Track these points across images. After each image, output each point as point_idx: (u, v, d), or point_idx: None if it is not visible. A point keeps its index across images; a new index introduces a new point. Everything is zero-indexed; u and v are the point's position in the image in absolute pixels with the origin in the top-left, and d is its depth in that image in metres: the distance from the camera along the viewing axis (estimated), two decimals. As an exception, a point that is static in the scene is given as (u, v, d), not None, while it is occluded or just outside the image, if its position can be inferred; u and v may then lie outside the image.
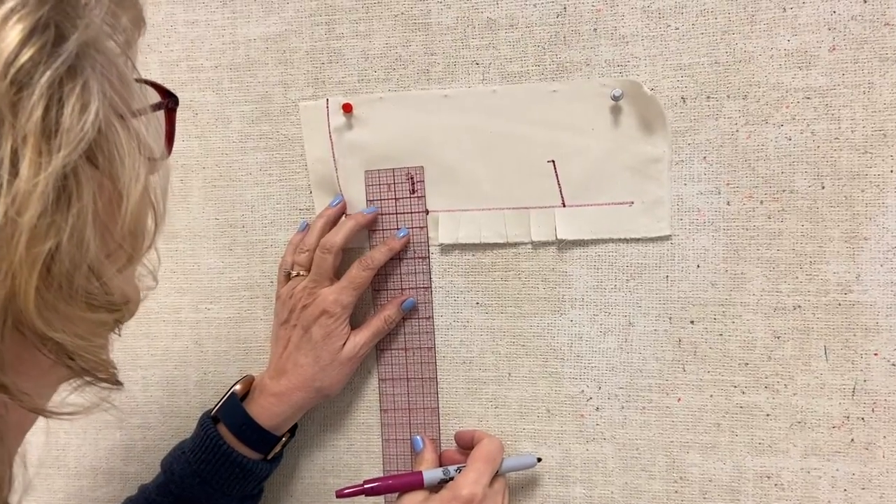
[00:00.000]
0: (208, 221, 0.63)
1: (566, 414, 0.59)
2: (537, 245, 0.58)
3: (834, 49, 0.53)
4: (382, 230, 0.60)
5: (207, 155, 0.62)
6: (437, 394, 0.60)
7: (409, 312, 0.60)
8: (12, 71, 0.26)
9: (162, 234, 0.34)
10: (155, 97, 0.36)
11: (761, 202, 0.54)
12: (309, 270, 0.57)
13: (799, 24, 0.53)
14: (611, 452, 0.58)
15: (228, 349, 0.63)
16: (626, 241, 0.57)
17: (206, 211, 0.63)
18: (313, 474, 0.63)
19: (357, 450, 0.62)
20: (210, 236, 0.63)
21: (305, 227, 0.60)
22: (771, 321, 0.55)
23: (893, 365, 0.53)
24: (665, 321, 0.56)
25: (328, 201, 0.60)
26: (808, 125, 0.53)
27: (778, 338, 0.55)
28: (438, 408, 0.60)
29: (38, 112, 0.26)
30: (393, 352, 0.61)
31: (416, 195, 0.59)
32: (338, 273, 0.59)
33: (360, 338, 0.58)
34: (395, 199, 0.60)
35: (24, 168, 0.26)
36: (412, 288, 0.60)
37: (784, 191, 0.54)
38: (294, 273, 0.58)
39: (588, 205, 0.57)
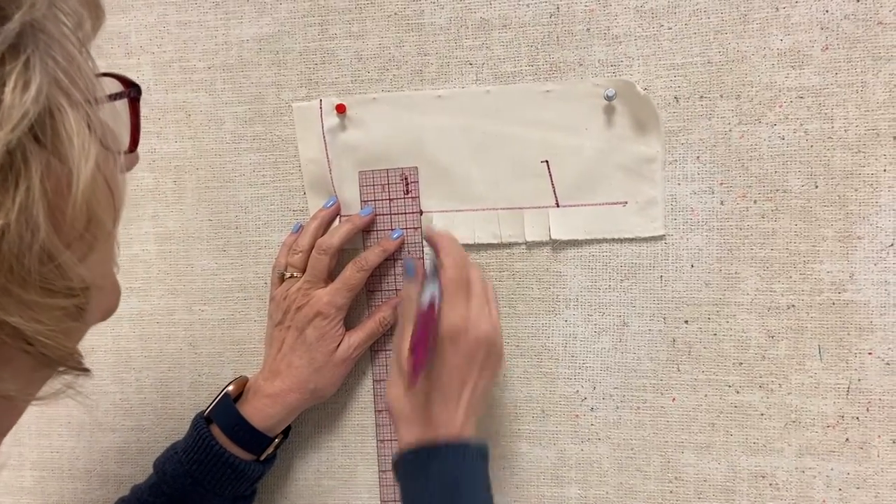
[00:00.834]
0: (202, 223, 0.63)
1: (561, 414, 0.58)
2: (531, 245, 0.58)
3: (827, 48, 0.53)
4: (377, 231, 0.60)
5: (201, 156, 0.62)
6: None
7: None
8: None
9: (120, 221, 0.34)
10: (118, 88, 0.36)
11: (755, 202, 0.54)
12: (303, 272, 0.57)
13: (792, 24, 0.53)
14: (606, 453, 0.58)
15: (222, 351, 0.63)
16: (620, 241, 0.57)
17: (199, 212, 0.63)
18: (307, 476, 0.63)
19: (352, 451, 0.62)
20: (203, 237, 0.63)
21: (299, 229, 0.60)
22: (765, 321, 0.55)
23: (888, 364, 0.53)
24: (659, 321, 0.56)
25: (322, 202, 0.60)
26: (802, 124, 0.53)
27: (772, 337, 0.55)
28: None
29: None
30: (388, 353, 0.61)
31: (410, 195, 0.59)
32: (332, 275, 0.58)
33: (355, 339, 0.58)
34: (390, 199, 0.59)
35: None
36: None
37: (777, 190, 0.54)
38: (288, 274, 0.58)
39: (582, 205, 0.57)
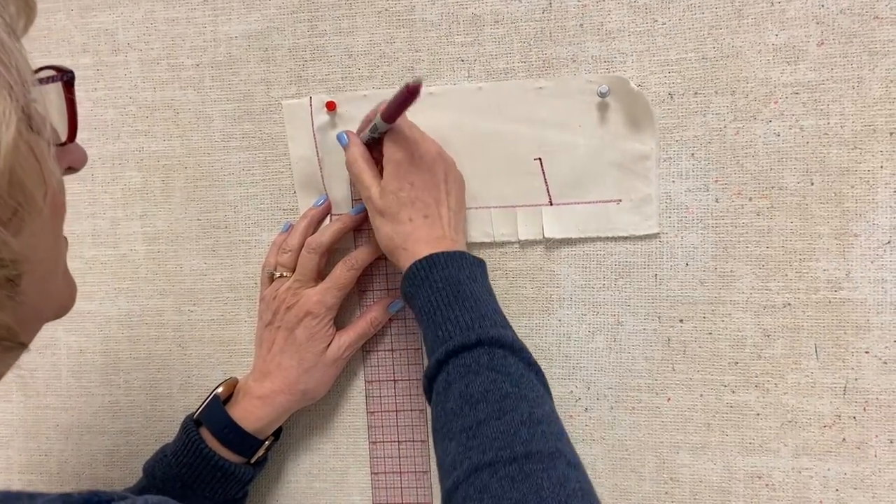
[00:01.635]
0: (191, 222, 0.62)
1: (555, 415, 0.58)
2: (524, 244, 0.57)
3: (822, 43, 0.52)
4: (368, 230, 0.59)
5: (189, 154, 0.61)
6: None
7: (396, 314, 0.59)
8: None
9: (53, 195, 0.34)
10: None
11: (750, 199, 0.54)
12: (293, 271, 0.57)
13: (787, 19, 0.52)
14: (600, 453, 0.57)
15: (212, 352, 0.62)
16: (614, 239, 0.56)
17: (188, 211, 0.62)
18: (299, 478, 0.62)
19: (343, 453, 0.61)
20: (193, 237, 0.62)
21: (289, 228, 0.59)
22: (761, 319, 0.54)
23: (885, 363, 0.53)
24: (654, 320, 0.56)
25: (312, 201, 0.59)
26: (797, 121, 0.53)
27: (768, 336, 0.54)
28: (426, 409, 0.59)
29: None
30: (379, 353, 0.60)
31: None
32: (322, 274, 0.58)
33: (345, 339, 0.57)
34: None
35: None
36: (398, 289, 0.59)
37: (773, 187, 0.53)
38: (278, 274, 0.57)
39: (575, 203, 0.56)
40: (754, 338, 0.54)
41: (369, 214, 0.54)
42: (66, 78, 0.37)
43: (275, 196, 0.61)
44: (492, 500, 0.38)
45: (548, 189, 0.56)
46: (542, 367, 0.57)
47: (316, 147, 0.59)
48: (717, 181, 0.54)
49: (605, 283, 0.56)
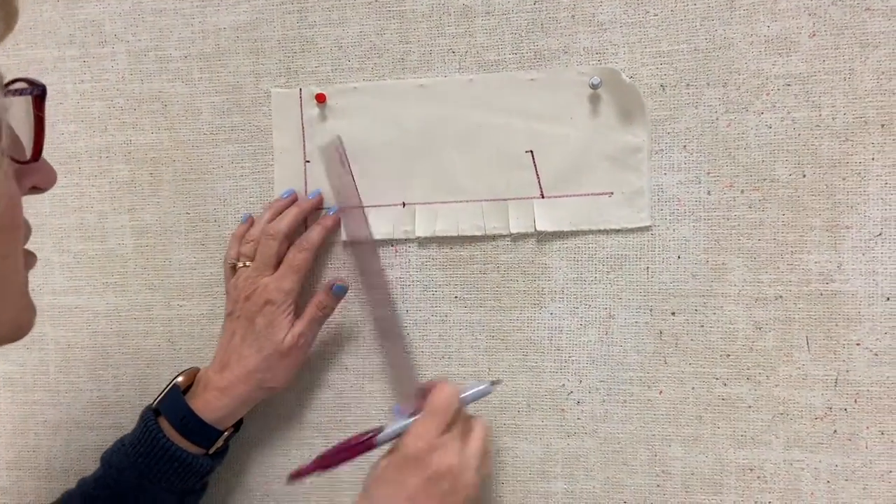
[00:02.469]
0: (179, 216, 0.61)
1: (547, 408, 0.58)
2: (516, 237, 0.57)
3: (814, 35, 0.52)
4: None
5: (177, 147, 0.61)
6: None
7: (345, 299, 0.58)
8: None
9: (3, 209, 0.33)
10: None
11: (742, 191, 0.54)
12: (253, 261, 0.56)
13: (779, 10, 0.52)
14: (592, 447, 0.57)
15: (202, 346, 0.62)
16: (606, 232, 0.56)
17: (176, 205, 0.61)
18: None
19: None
20: (181, 231, 0.61)
21: (248, 219, 0.59)
22: (752, 312, 0.54)
23: (876, 355, 0.53)
24: (646, 313, 0.56)
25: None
26: (789, 113, 0.52)
27: (759, 329, 0.54)
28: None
29: None
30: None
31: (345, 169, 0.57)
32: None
33: (297, 327, 0.55)
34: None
35: None
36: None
37: (765, 180, 0.53)
38: (240, 264, 0.56)
39: (567, 195, 0.56)
40: (746, 330, 0.54)
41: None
42: (36, 92, 0.35)
43: (264, 189, 0.60)
44: None
45: (539, 182, 0.56)
46: (534, 361, 0.58)
47: (303, 139, 0.59)
48: (709, 173, 0.54)
49: (596, 276, 0.56)
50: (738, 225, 0.54)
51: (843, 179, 0.52)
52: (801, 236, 0.53)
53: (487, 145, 0.56)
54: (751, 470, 0.55)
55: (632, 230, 0.55)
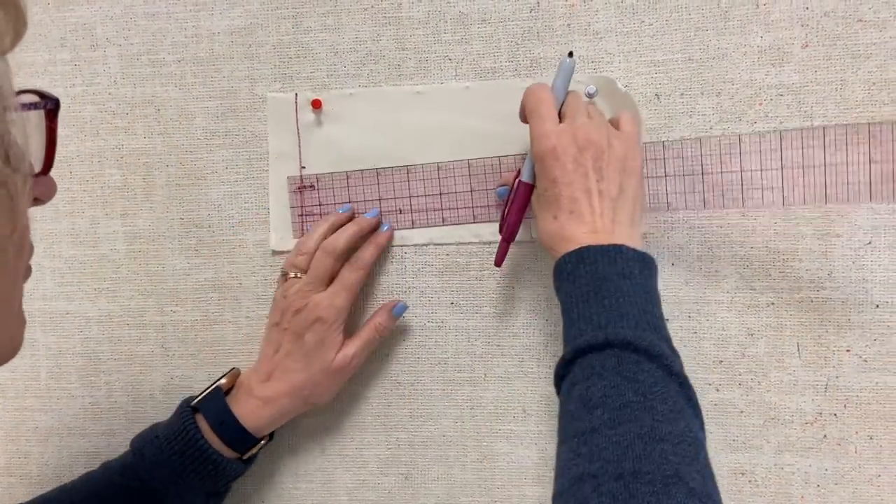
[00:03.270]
0: (173, 221, 0.61)
1: (542, 414, 0.58)
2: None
3: (807, 46, 0.52)
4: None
5: (171, 152, 0.60)
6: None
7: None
8: None
9: (21, 233, 0.32)
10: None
11: (735, 200, 0.54)
12: (305, 273, 0.56)
13: (772, 21, 0.53)
14: (586, 452, 0.58)
15: (195, 353, 0.62)
16: (601, 239, 0.56)
17: (170, 210, 0.61)
18: (284, 479, 0.62)
19: (330, 454, 0.61)
20: (175, 236, 0.61)
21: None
22: (744, 318, 0.55)
23: (865, 361, 0.54)
24: (640, 320, 0.56)
25: (285, 200, 0.59)
26: (781, 122, 0.53)
27: (751, 335, 0.55)
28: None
29: None
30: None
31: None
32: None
33: (351, 349, 0.55)
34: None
35: None
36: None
37: (758, 188, 0.54)
38: (291, 275, 0.56)
39: (562, 203, 0.56)
40: (738, 337, 0.55)
41: None
42: (49, 106, 0.34)
43: (259, 195, 0.60)
44: None
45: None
46: (530, 367, 0.58)
47: (299, 145, 0.58)
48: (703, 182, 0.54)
49: (591, 282, 0.56)
50: (731, 233, 0.54)
51: (835, 188, 0.53)
52: (793, 244, 0.54)
53: (483, 152, 0.56)
54: (742, 474, 0.56)
55: (626, 237, 0.56)
